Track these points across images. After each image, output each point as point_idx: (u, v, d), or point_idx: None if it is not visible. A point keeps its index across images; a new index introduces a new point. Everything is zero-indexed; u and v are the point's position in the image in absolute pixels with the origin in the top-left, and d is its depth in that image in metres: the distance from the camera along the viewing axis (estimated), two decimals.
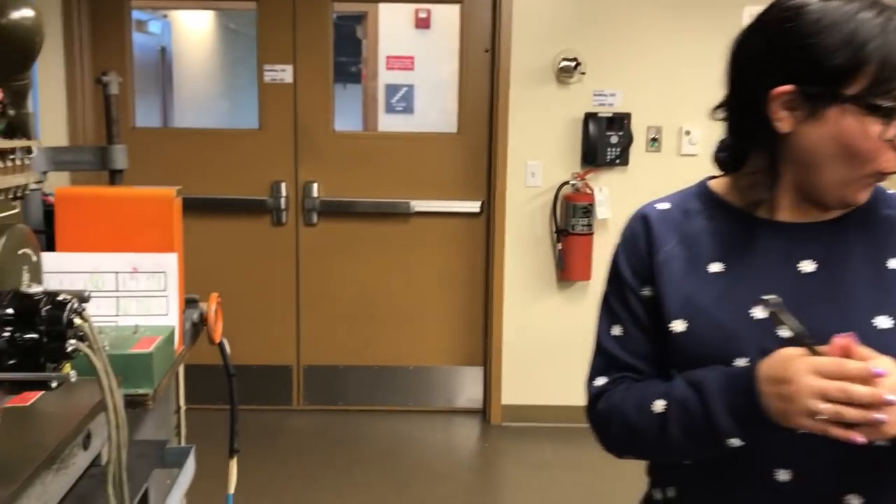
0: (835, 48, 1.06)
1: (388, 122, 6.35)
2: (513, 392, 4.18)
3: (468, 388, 4.32)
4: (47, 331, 0.94)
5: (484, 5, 4.06)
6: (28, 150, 1.29)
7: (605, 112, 3.96)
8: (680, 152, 4.02)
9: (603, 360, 1.29)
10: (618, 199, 4.00)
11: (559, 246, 4.01)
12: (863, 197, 1.13)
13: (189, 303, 2.00)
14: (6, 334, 0.93)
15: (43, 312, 0.94)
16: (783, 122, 1.11)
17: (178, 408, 2.38)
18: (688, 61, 3.96)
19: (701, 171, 4.23)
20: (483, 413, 4.29)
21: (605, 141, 3.93)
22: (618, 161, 3.97)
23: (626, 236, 1.27)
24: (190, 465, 1.61)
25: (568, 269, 4.01)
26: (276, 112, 4.15)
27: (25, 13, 1.23)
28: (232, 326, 4.01)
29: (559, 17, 3.95)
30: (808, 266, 1.14)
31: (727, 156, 1.27)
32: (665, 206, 1.29)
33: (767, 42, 1.13)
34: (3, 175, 1.20)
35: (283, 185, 4.16)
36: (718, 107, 1.23)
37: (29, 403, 1.37)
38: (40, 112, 3.78)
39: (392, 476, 3.56)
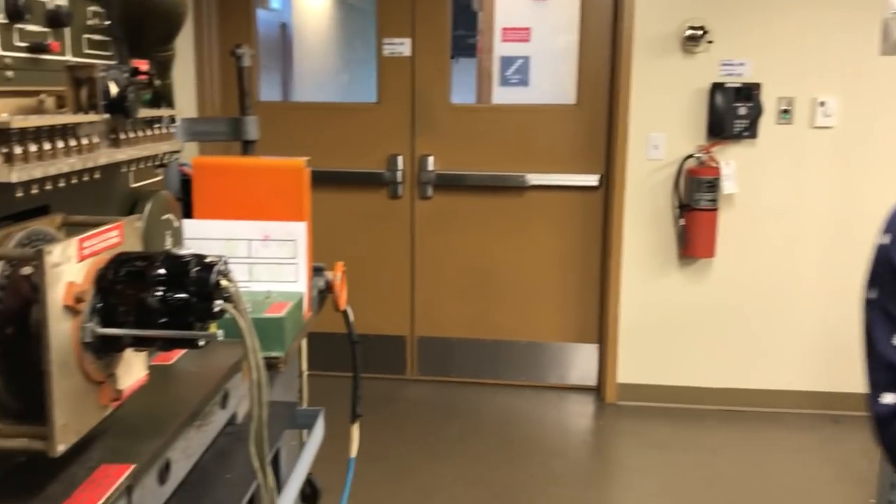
0: None
1: (502, 95, 6.30)
2: (629, 370, 4.10)
3: (582, 365, 4.27)
4: (196, 291, 0.97)
5: None
6: (172, 119, 1.34)
7: (733, 82, 3.79)
8: (813, 124, 3.81)
9: (888, 374, 1.11)
10: (745, 174, 3.84)
11: (681, 221, 3.89)
12: None
13: (316, 271, 2.05)
14: (158, 294, 0.96)
15: (192, 273, 0.97)
16: None
17: (301, 373, 2.45)
18: (823, 27, 3.74)
19: (836, 144, 4.05)
20: (597, 391, 4.23)
21: (732, 112, 3.77)
22: (746, 133, 3.80)
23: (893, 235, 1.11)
24: (320, 427, 1.66)
25: (690, 245, 3.88)
26: (394, 85, 4.18)
27: None
28: (349, 296, 4.10)
29: None
30: None
31: None
32: None
33: None
34: (150, 142, 1.25)
35: (400, 159, 4.20)
36: None
37: (171, 362, 1.44)
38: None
39: (505, 449, 3.57)
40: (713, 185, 3.79)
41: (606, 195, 4.07)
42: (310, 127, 4.24)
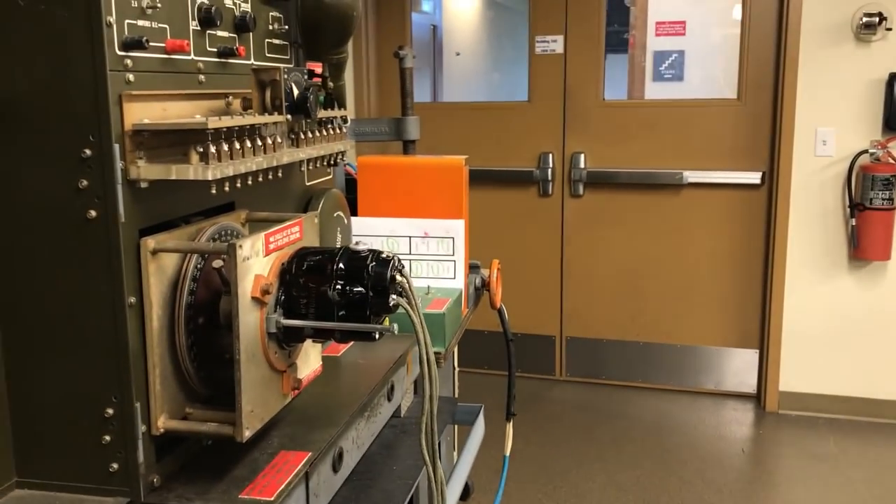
0: None
1: (656, 91, 6.12)
2: (792, 378, 3.88)
3: (741, 371, 4.08)
4: (373, 286, 0.99)
5: None
6: (344, 119, 1.38)
7: None
8: None
9: None
10: None
11: (853, 221, 3.64)
12: None
13: (472, 268, 2.07)
14: (338, 287, 0.99)
15: (370, 269, 1.00)
16: None
17: (454, 369, 2.47)
18: None
19: None
20: (757, 398, 4.03)
21: None
22: None
23: None
24: (480, 424, 1.66)
25: (863, 247, 3.62)
26: (545, 83, 4.16)
27: None
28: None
29: None
30: None
31: None
32: None
33: None
34: (325, 142, 1.30)
35: (551, 157, 4.17)
36: None
37: (340, 354, 1.49)
38: None
39: (659, 455, 3.46)
40: (890, 183, 3.52)
41: (770, 193, 3.87)
42: (461, 127, 4.28)
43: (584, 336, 4.30)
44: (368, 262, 1.00)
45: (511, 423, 2.24)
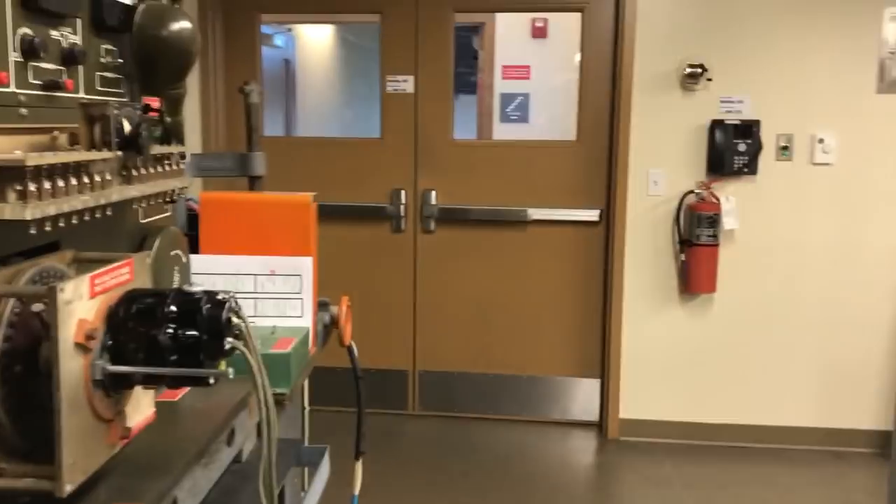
0: None
1: (503, 131, 6.35)
2: (631, 406, 4.08)
3: (584, 400, 4.24)
4: (207, 329, 0.97)
5: (606, 12, 4.00)
6: (182, 156, 1.34)
7: (732, 119, 3.82)
8: (812, 161, 3.84)
9: None
10: (746, 210, 3.86)
11: (682, 257, 3.90)
12: None
13: (321, 305, 2.05)
14: (169, 331, 0.96)
15: (203, 311, 0.97)
16: None
17: (304, 408, 2.43)
18: (821, 65, 3.79)
19: (835, 180, 4.13)
20: (599, 426, 4.20)
21: (732, 149, 3.80)
22: (746, 170, 3.83)
23: None
24: (325, 465, 1.64)
25: (692, 281, 3.88)
26: (397, 121, 4.22)
27: (184, 24, 1.29)
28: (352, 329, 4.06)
29: (684, 22, 3.85)
30: None
31: None
32: None
33: None
34: (161, 179, 1.26)
35: (403, 193, 4.22)
36: None
37: (177, 399, 1.43)
38: None
39: (507, 486, 3.53)
40: (714, 221, 3.81)
41: (607, 230, 4.09)
42: (314, 161, 4.26)
43: (435, 369, 4.34)
44: (202, 303, 0.97)
45: (360, 462, 2.22)
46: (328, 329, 2.06)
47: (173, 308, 0.97)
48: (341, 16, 5.22)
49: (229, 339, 0.98)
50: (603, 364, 4.18)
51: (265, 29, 5.77)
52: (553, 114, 5.89)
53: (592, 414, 4.23)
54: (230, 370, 0.98)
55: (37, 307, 0.95)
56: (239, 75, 4.18)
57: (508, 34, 6.35)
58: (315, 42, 7.17)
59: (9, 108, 1.00)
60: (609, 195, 4.07)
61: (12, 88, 1.00)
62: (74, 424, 0.93)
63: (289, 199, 1.85)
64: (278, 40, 6.68)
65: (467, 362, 4.32)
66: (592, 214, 4.11)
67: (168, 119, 1.36)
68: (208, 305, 0.98)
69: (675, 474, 3.70)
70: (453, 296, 4.28)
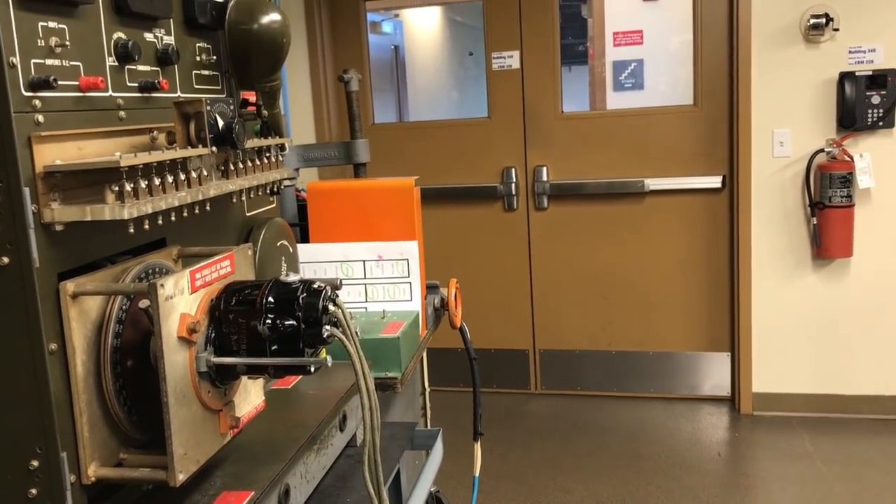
0: None
1: (617, 100, 6.16)
2: (764, 379, 3.89)
3: (714, 374, 4.08)
4: (305, 317, 0.97)
5: None
6: (281, 148, 1.36)
7: (863, 70, 3.55)
8: None
9: None
10: (882, 167, 3.59)
11: (814, 220, 3.67)
12: None
13: (430, 288, 2.04)
14: (268, 321, 0.97)
15: (300, 300, 0.97)
16: None
17: (424, 390, 2.45)
18: None
19: None
20: (731, 401, 4.04)
21: (864, 102, 3.53)
22: (881, 124, 3.55)
23: None
24: (438, 448, 1.64)
25: (825, 245, 3.65)
26: (504, 99, 4.17)
27: (274, 17, 1.29)
28: (468, 311, 4.09)
29: None
30: None
31: None
32: None
33: None
34: (261, 172, 1.28)
35: (514, 171, 4.17)
36: None
37: (290, 386, 1.46)
38: (291, 113, 4.08)
39: (636, 464, 3.45)
40: (847, 181, 3.56)
41: (731, 196, 3.90)
42: (424, 146, 4.28)
43: (556, 348, 4.29)
44: (299, 293, 0.98)
45: (479, 443, 2.22)
46: (438, 312, 2.06)
47: (271, 299, 0.98)
48: None
49: (327, 327, 0.98)
50: (732, 336, 4.00)
51: (373, 17, 5.83)
52: (670, 79, 5.67)
53: (724, 389, 4.07)
54: (328, 358, 0.98)
55: (143, 303, 0.98)
56: (346, 64, 4.23)
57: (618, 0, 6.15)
58: (423, 26, 7.19)
59: (108, 112, 1.03)
60: (731, 160, 3.87)
61: (109, 93, 1.03)
62: (183, 416, 0.95)
63: (392, 184, 1.85)
64: (386, 27, 6.73)
65: (589, 340, 4.24)
66: (714, 181, 3.93)
67: (265, 112, 1.38)
68: (304, 295, 0.98)
69: (814, 450, 3.50)
70: (571, 273, 4.20)
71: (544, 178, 4.15)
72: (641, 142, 4.02)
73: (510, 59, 4.12)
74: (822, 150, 3.63)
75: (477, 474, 2.19)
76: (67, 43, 0.94)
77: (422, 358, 2.31)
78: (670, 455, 3.53)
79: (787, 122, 3.69)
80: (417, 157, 4.24)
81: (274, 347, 0.98)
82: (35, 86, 0.89)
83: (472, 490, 2.16)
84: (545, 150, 4.15)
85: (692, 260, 4.03)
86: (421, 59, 7.20)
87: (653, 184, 3.98)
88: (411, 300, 1.84)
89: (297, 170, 2.01)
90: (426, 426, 2.32)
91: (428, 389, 2.47)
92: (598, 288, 4.17)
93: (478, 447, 2.20)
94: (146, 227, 0.96)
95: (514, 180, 4.18)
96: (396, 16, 6.75)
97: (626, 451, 3.58)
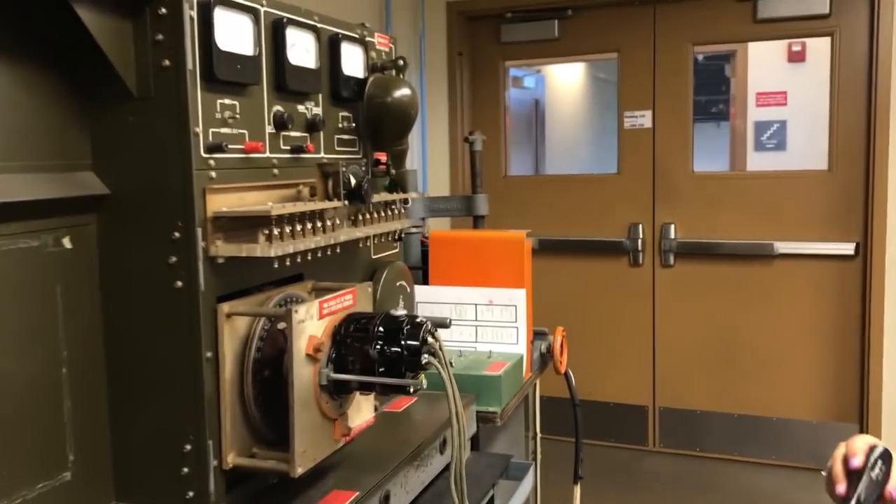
0: None
1: (758, 160, 6.11)
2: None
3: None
4: (407, 346, 1.16)
5: (859, 33, 3.78)
6: (405, 202, 1.57)
7: None
8: None
9: None
10: None
11: None
12: None
13: (538, 335, 2.20)
14: (378, 347, 1.17)
15: (404, 331, 1.17)
16: None
17: (535, 434, 2.57)
18: None
19: None
20: None
21: None
22: None
23: None
24: (528, 479, 1.78)
25: None
26: (634, 156, 4.28)
27: (405, 92, 1.52)
28: (587, 362, 4.17)
29: None
30: None
31: None
32: None
33: None
34: (387, 222, 1.49)
35: (640, 227, 4.26)
36: None
37: (401, 410, 1.66)
38: (428, 166, 4.36)
39: None
40: None
41: (865, 264, 3.82)
42: (555, 198, 4.44)
43: (676, 406, 4.29)
44: (404, 325, 1.17)
45: (578, 486, 2.33)
46: (544, 357, 2.21)
47: (381, 329, 1.18)
48: (582, 56, 5.39)
49: (425, 356, 1.17)
50: (861, 407, 3.88)
51: (516, 72, 6.10)
52: (813, 141, 5.59)
53: None
54: (423, 381, 1.17)
55: (281, 325, 1.21)
56: (485, 120, 4.49)
57: (762, 59, 6.14)
58: (564, 81, 7.40)
59: (265, 170, 1.27)
60: (866, 227, 3.81)
61: (267, 154, 1.27)
62: (305, 420, 1.16)
63: (505, 236, 2.03)
64: (528, 82, 6.99)
65: (710, 400, 4.22)
66: (847, 248, 3.87)
67: (393, 171, 1.60)
68: (408, 327, 1.17)
69: None
70: (694, 331, 4.21)
71: (671, 236, 4.21)
72: (773, 204, 4.02)
73: (642, 119, 4.23)
74: None
75: None
76: (238, 115, 1.19)
77: (533, 403, 2.45)
78: None
79: None
80: (549, 208, 4.41)
81: (381, 369, 1.17)
82: (211, 149, 1.14)
83: None
84: (674, 208, 4.21)
85: (821, 327, 3.96)
86: (561, 113, 7.39)
87: (782, 247, 3.96)
88: (517, 343, 2.01)
89: (423, 218, 2.23)
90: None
91: (539, 434, 2.59)
92: (722, 348, 4.16)
93: (577, 490, 2.31)
94: (287, 263, 1.18)
95: (641, 236, 4.26)
96: (539, 71, 7.00)
97: None
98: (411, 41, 4.31)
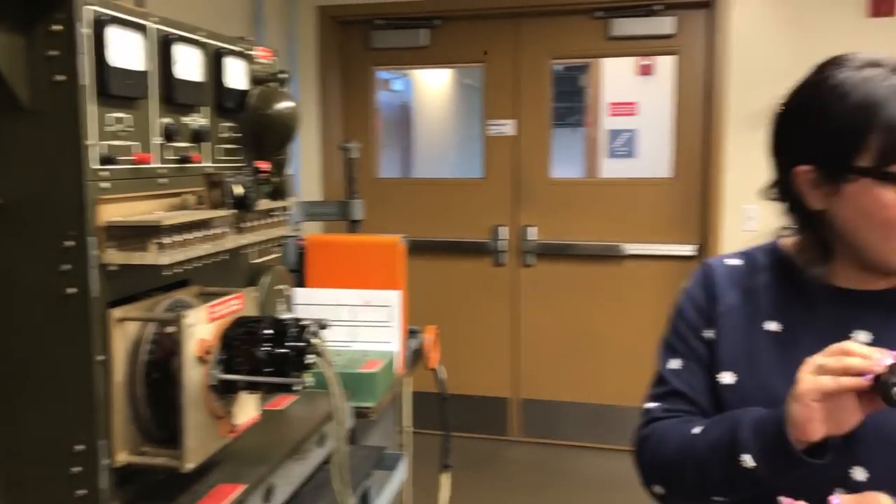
0: (839, 123, 1.06)
1: (611, 166, 6.51)
2: None
3: None
4: (293, 347, 1.25)
5: (699, 54, 4.14)
6: (285, 209, 1.65)
7: None
8: None
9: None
10: None
11: None
12: None
13: (412, 333, 2.33)
14: (265, 348, 1.25)
15: (290, 333, 1.26)
16: (812, 199, 1.14)
17: (403, 428, 2.69)
18: None
19: None
20: None
21: None
22: None
23: (689, 287, 1.35)
24: (401, 469, 1.90)
25: None
26: (498, 162, 4.49)
27: (287, 104, 1.60)
28: (453, 357, 4.33)
29: (778, 61, 3.94)
30: (861, 336, 1.13)
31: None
32: (734, 262, 1.33)
33: (790, 120, 1.17)
34: (269, 228, 1.57)
35: (503, 229, 4.48)
36: (770, 186, 1.26)
37: (282, 408, 1.73)
38: (301, 170, 4.40)
39: None
40: None
41: None
42: (423, 200, 4.59)
43: (536, 397, 4.54)
44: (289, 328, 1.26)
45: (446, 475, 2.47)
46: (417, 354, 2.34)
47: (268, 331, 1.26)
48: (455, 64, 5.56)
49: (310, 356, 1.26)
50: None
51: (384, 74, 6.21)
52: (660, 150, 6.02)
53: None
54: (310, 380, 1.26)
55: (169, 329, 1.27)
56: (356, 123, 4.58)
57: (614, 72, 6.54)
58: (431, 86, 7.57)
59: (151, 180, 1.32)
60: (704, 230, 4.18)
61: (154, 165, 1.33)
62: (195, 418, 1.23)
63: (380, 240, 2.15)
64: (396, 85, 7.12)
65: (568, 391, 4.49)
66: (688, 249, 4.23)
67: (275, 178, 1.68)
68: (294, 329, 1.26)
69: None
70: (554, 327, 4.47)
71: (532, 238, 4.45)
72: (622, 208, 4.34)
73: (504, 127, 4.45)
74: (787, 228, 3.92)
75: None
76: (129, 128, 1.24)
77: (404, 397, 2.57)
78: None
79: (756, 200, 3.99)
80: (417, 211, 4.55)
81: (268, 369, 1.26)
82: (104, 160, 1.18)
83: None
84: (534, 212, 4.45)
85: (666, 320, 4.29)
86: (428, 117, 7.57)
87: (630, 248, 4.28)
88: (391, 342, 2.12)
89: (299, 222, 2.31)
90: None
91: (409, 428, 2.71)
92: (579, 342, 4.44)
93: (445, 479, 2.45)
94: (175, 270, 1.25)
95: (504, 237, 4.48)
96: (405, 74, 7.14)
97: (601, 500, 3.80)
98: (282, 45, 4.34)
